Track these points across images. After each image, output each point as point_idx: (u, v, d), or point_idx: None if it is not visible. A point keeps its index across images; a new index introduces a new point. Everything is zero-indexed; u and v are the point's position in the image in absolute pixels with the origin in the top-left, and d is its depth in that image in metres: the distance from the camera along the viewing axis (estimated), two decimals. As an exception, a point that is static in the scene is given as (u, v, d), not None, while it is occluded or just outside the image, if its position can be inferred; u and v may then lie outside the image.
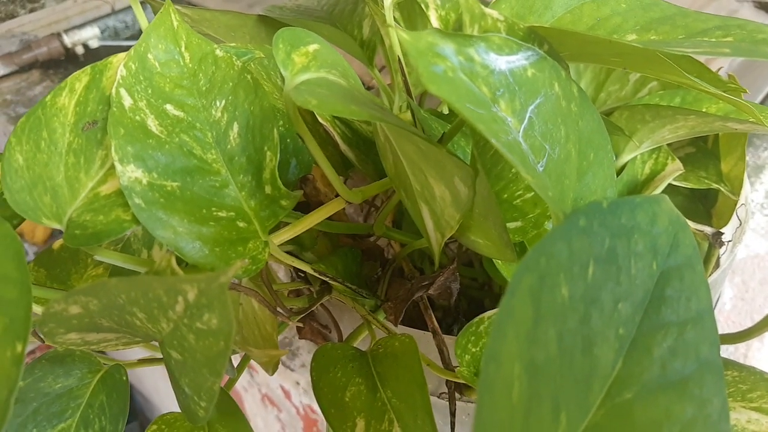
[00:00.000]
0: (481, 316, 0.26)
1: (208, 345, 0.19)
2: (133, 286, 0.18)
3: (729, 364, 0.24)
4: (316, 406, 0.64)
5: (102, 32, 1.13)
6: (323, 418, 0.66)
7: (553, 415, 0.16)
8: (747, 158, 0.40)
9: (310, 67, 0.23)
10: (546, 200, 0.18)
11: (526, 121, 0.20)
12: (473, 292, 0.44)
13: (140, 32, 0.26)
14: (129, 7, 1.11)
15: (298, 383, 0.64)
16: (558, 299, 0.16)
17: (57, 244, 0.40)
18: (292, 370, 0.65)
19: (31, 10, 1.28)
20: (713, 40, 0.23)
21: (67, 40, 1.10)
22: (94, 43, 1.10)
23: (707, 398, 0.17)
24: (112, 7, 1.18)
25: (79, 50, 1.10)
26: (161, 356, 0.36)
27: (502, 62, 0.20)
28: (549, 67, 0.21)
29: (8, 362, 0.19)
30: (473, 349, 0.26)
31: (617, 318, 0.17)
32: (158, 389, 1.25)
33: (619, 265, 0.18)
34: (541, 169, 0.21)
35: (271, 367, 0.24)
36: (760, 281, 0.67)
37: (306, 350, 0.66)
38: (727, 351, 0.55)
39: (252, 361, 0.69)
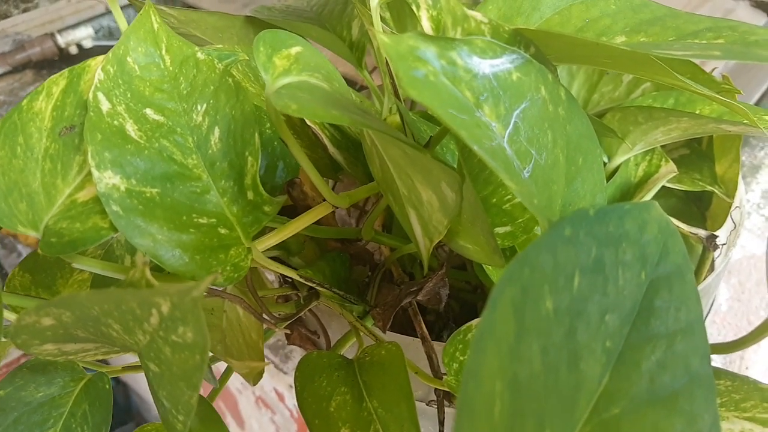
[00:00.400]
0: (469, 324, 0.26)
1: (184, 358, 0.18)
2: (105, 299, 0.18)
3: (721, 373, 0.23)
4: (309, 410, 0.63)
5: (96, 32, 1.12)
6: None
7: (537, 432, 0.16)
8: (743, 158, 0.40)
9: (291, 70, 0.23)
10: (530, 208, 0.18)
11: (511, 126, 0.20)
12: (466, 295, 0.43)
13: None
14: (124, 7, 1.11)
15: (291, 386, 0.64)
16: (542, 312, 0.16)
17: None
18: (285, 373, 0.64)
19: (25, 10, 1.27)
20: (704, 42, 0.22)
21: (61, 40, 1.09)
22: (88, 43, 1.09)
23: (697, 413, 0.17)
24: (106, 7, 1.17)
25: (73, 50, 1.10)
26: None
27: (485, 66, 0.19)
28: (535, 70, 0.20)
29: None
30: (461, 358, 0.25)
31: (604, 331, 0.17)
32: (154, 391, 1.24)
33: (606, 275, 0.17)
34: (527, 175, 0.20)
35: (252, 378, 0.24)
36: (757, 282, 0.66)
37: (299, 353, 0.65)
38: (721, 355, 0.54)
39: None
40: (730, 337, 0.60)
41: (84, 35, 1.12)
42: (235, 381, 0.77)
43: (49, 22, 1.20)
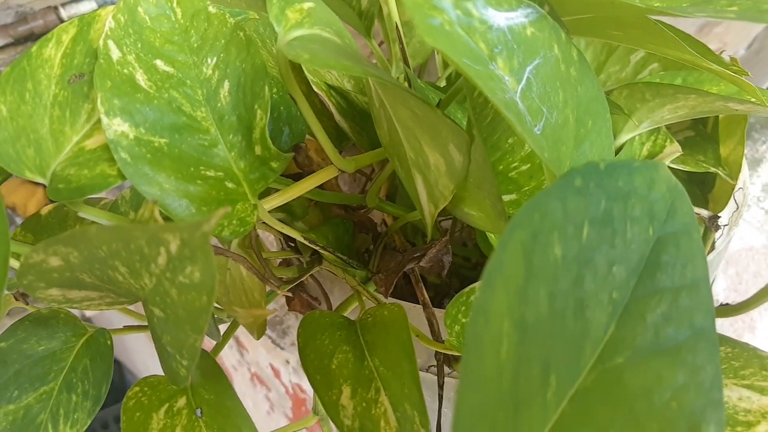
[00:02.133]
0: (471, 286, 0.26)
1: (191, 300, 0.18)
2: (114, 236, 0.18)
3: (722, 339, 0.23)
4: (305, 385, 0.64)
5: (99, 6, 1.11)
6: (311, 397, 0.66)
7: (543, 377, 0.16)
8: (745, 152, 0.40)
9: (303, 23, 0.23)
10: (543, 160, 0.18)
11: (524, 81, 0.20)
12: (466, 272, 0.43)
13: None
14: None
15: (287, 362, 0.64)
16: (551, 258, 0.16)
17: (45, 209, 0.39)
18: (282, 348, 0.64)
19: (28, -18, 1.26)
20: (718, 8, 0.22)
21: (64, 13, 1.08)
22: (90, 17, 1.08)
23: (700, 365, 0.17)
24: (110, -18, 1.16)
25: (76, 24, 1.09)
26: (145, 324, 0.35)
27: (500, 18, 0.19)
28: (549, 27, 0.20)
29: (-17, 311, 0.18)
30: (463, 320, 0.25)
31: (611, 281, 0.17)
32: (147, 367, 1.25)
33: (614, 228, 0.17)
34: (538, 132, 0.20)
35: (257, 329, 0.24)
36: (754, 274, 0.67)
37: (296, 329, 0.66)
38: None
39: (242, 340, 0.69)
40: (727, 327, 0.61)
41: (87, 9, 1.11)
42: (231, 358, 0.78)
43: (52, -4, 1.19)
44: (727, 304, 0.24)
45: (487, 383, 0.14)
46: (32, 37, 1.10)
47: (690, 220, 0.19)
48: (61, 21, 1.09)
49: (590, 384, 0.16)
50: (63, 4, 1.14)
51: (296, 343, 0.64)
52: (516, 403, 0.15)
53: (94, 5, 1.15)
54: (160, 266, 0.19)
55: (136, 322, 0.36)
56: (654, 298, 0.17)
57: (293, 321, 0.66)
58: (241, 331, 0.71)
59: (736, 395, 0.23)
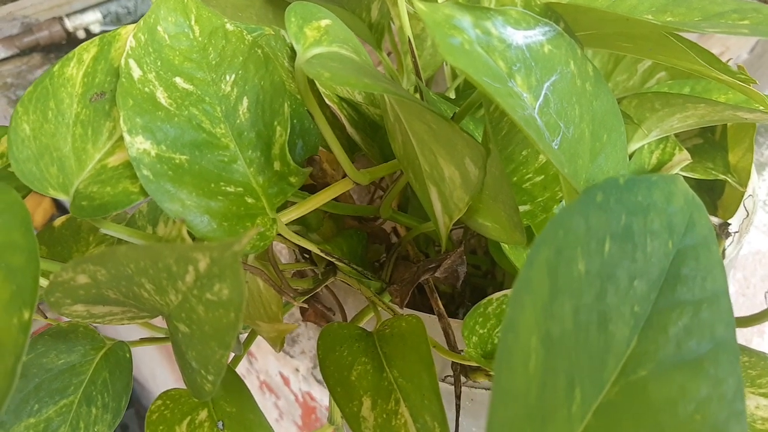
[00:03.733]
0: (489, 297, 0.26)
1: (218, 317, 0.19)
2: (142, 255, 0.18)
3: (739, 348, 0.24)
4: (315, 393, 0.64)
5: (104, 17, 1.12)
6: (321, 405, 0.66)
7: (568, 390, 0.16)
8: (753, 169, 0.40)
9: (322, 41, 0.23)
10: (563, 175, 0.18)
11: (541, 98, 0.20)
12: (476, 280, 0.44)
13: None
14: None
15: (297, 370, 0.64)
16: (575, 274, 0.16)
17: (58, 221, 0.39)
18: (291, 356, 0.65)
19: (33, -6, 1.26)
20: (730, 22, 0.22)
21: (69, 24, 1.09)
22: (95, 28, 1.09)
23: (722, 377, 0.17)
24: (114, -8, 1.17)
25: (81, 35, 1.10)
26: (162, 336, 0.36)
27: (519, 37, 0.19)
28: (566, 44, 0.21)
29: (15, 329, 0.19)
30: (481, 331, 0.26)
31: (633, 295, 0.17)
32: (155, 376, 1.25)
33: (635, 242, 0.18)
34: (555, 147, 0.20)
35: (279, 343, 0.24)
36: (762, 278, 0.67)
37: (306, 337, 0.66)
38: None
39: (251, 348, 0.69)
40: (737, 331, 0.61)
41: (92, 20, 1.12)
42: (240, 366, 0.78)
43: (57, 6, 1.20)
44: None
45: (516, 397, 0.14)
46: (37, 47, 1.10)
47: (708, 232, 0.19)
48: (66, 32, 1.09)
49: (614, 397, 0.17)
50: (68, 15, 1.15)
51: (305, 351, 0.64)
52: (543, 417, 0.15)
53: (98, 16, 1.15)
54: (187, 284, 0.19)
55: (147, 333, 0.36)
56: (675, 310, 0.17)
57: (303, 329, 0.66)
58: (251, 340, 0.70)
59: (753, 404, 0.23)
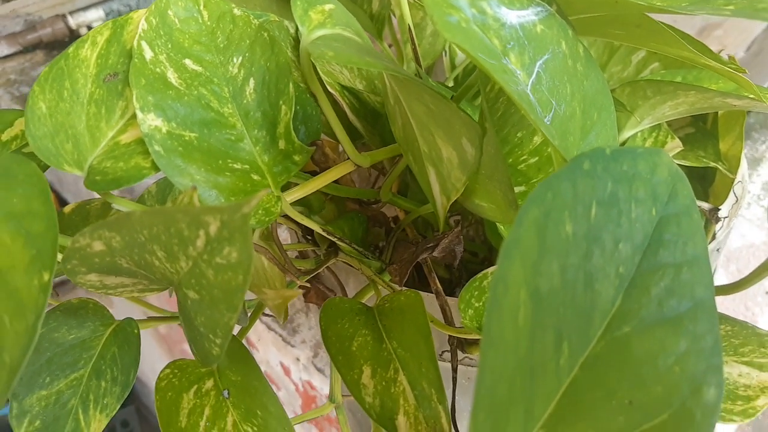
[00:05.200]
0: (484, 271, 0.27)
1: (227, 279, 0.20)
2: (156, 219, 0.19)
3: (723, 318, 0.25)
4: (315, 382, 0.65)
5: (106, 15, 1.13)
6: (321, 394, 0.67)
7: (556, 344, 0.17)
8: (745, 151, 0.41)
9: (326, 23, 0.24)
10: (554, 146, 0.19)
11: (534, 75, 0.21)
12: (473, 266, 0.45)
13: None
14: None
15: (298, 359, 0.65)
16: (562, 235, 0.17)
17: (68, 208, 0.40)
18: (292, 346, 0.66)
19: (36, -9, 1.27)
20: (715, 6, 0.24)
21: (72, 21, 1.10)
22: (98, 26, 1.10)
23: (701, 334, 0.18)
24: (117, -10, 1.18)
25: (84, 32, 1.11)
26: (166, 315, 0.37)
27: (512, 16, 0.20)
28: (557, 24, 0.22)
29: (36, 290, 0.20)
30: (476, 304, 0.27)
31: (617, 257, 0.18)
32: (155, 372, 1.26)
33: (620, 208, 0.19)
34: (548, 122, 0.22)
35: (283, 312, 0.25)
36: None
37: (307, 327, 0.67)
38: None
39: (252, 339, 0.70)
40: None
41: (95, 17, 1.14)
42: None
43: (59, 4, 1.21)
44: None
45: (506, 346, 0.15)
46: (40, 44, 1.11)
47: (690, 202, 0.20)
48: (69, 29, 1.10)
49: (600, 351, 0.18)
50: (71, 13, 1.16)
51: (306, 341, 0.65)
52: (532, 369, 0.17)
53: (101, 14, 1.17)
54: (197, 248, 0.20)
55: (150, 314, 0.37)
56: (657, 272, 0.19)
57: (303, 319, 0.67)
58: (251, 332, 0.71)
59: (736, 372, 0.24)
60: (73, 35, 1.11)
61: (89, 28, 1.11)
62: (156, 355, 1.16)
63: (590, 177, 0.18)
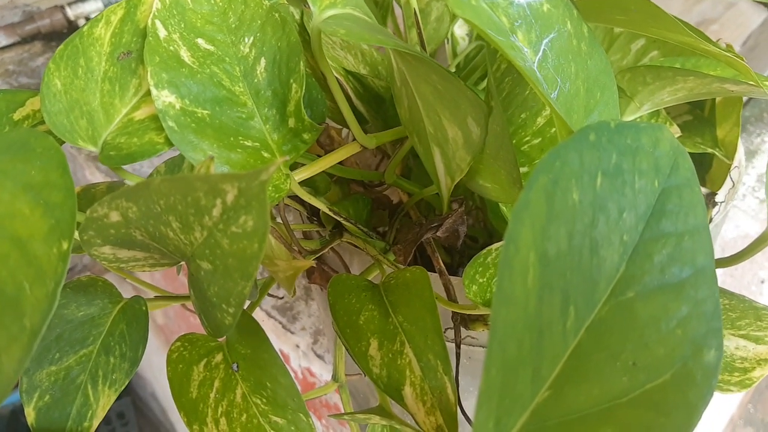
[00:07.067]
0: (488, 247, 0.28)
1: (242, 248, 0.20)
2: (174, 186, 0.19)
3: (720, 292, 0.25)
4: (315, 369, 0.65)
5: (105, 6, 1.13)
6: (320, 380, 0.67)
7: (563, 307, 0.18)
8: (740, 143, 0.42)
9: (336, 3, 0.25)
10: (562, 119, 0.20)
11: (540, 53, 0.22)
12: (473, 252, 0.45)
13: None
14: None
15: (297, 346, 0.66)
16: (569, 202, 0.18)
17: (77, 189, 0.41)
18: (292, 333, 0.66)
19: (35, -18, 1.27)
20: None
21: (70, 12, 1.10)
22: (97, 17, 1.10)
23: (701, 299, 0.19)
24: (117, -18, 1.18)
25: (82, 23, 1.11)
26: (173, 295, 0.37)
27: (521, -6, 0.21)
28: (563, 4, 0.23)
29: (55, 258, 0.20)
30: (480, 280, 0.27)
31: (622, 225, 0.19)
32: (152, 364, 1.26)
33: (624, 179, 0.19)
34: (554, 98, 0.22)
35: (292, 285, 0.26)
36: (749, 261, 0.69)
37: (306, 314, 0.67)
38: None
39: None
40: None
41: (93, 9, 1.14)
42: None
43: (58, -6, 1.21)
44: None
45: (516, 305, 0.16)
46: (39, 35, 1.11)
47: (691, 175, 0.21)
48: (68, 20, 1.10)
49: (605, 315, 0.18)
50: (69, 4, 1.16)
51: (305, 328, 0.66)
52: (540, 329, 0.17)
53: (100, 5, 1.17)
54: (213, 218, 0.20)
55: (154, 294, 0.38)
56: (660, 241, 0.19)
57: (303, 307, 0.68)
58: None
59: (733, 344, 0.25)
60: (72, 26, 1.11)
61: (87, 19, 1.11)
62: (153, 347, 1.16)
63: (596, 148, 0.19)
